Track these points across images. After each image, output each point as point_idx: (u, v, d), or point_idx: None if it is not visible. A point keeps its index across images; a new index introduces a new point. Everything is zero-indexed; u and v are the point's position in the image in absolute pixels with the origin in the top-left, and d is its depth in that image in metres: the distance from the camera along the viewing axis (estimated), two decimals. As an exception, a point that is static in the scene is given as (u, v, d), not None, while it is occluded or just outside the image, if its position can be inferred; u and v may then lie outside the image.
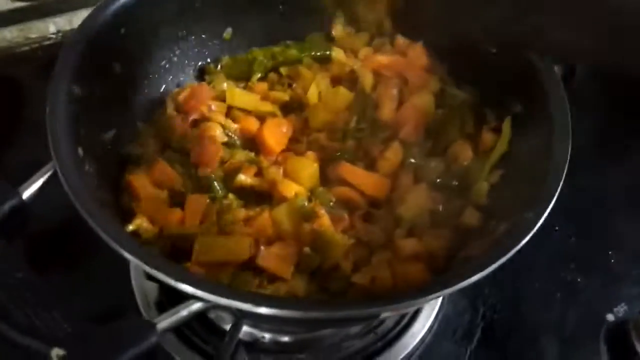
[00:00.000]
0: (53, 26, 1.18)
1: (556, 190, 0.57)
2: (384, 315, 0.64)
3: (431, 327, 0.84)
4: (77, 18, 1.18)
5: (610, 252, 0.95)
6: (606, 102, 1.15)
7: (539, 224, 0.56)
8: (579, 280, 0.92)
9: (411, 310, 0.77)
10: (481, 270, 0.52)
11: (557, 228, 0.98)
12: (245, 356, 0.78)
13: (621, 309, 0.89)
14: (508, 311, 0.89)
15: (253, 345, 0.79)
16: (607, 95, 1.15)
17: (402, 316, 0.83)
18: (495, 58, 0.78)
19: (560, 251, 0.96)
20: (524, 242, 0.55)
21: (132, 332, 0.45)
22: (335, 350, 0.80)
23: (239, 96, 0.82)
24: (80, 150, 0.63)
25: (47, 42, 1.17)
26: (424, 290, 0.51)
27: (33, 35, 1.17)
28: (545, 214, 0.57)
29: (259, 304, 0.47)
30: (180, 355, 0.75)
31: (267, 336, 0.79)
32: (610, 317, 0.88)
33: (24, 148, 0.95)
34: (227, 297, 0.47)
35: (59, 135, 0.59)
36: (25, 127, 1.00)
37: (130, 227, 0.65)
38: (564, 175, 0.60)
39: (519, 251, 0.60)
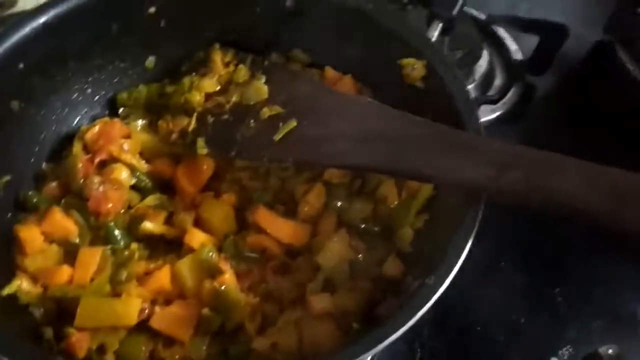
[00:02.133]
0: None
1: (458, 258, 0.53)
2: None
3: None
4: None
5: (556, 290, 0.91)
6: (564, 122, 1.11)
7: (437, 293, 0.51)
8: (522, 320, 0.88)
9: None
10: (369, 348, 0.47)
11: (502, 262, 0.94)
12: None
13: (566, 352, 0.85)
14: (447, 355, 0.84)
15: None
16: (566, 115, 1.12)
17: None
18: (421, 92, 0.73)
19: (505, 288, 0.91)
20: (418, 316, 0.50)
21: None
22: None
23: (146, 143, 0.77)
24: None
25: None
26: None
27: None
28: (446, 284, 0.52)
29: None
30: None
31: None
32: (553, 360, 0.84)
33: None
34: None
35: None
36: None
37: (6, 290, 0.60)
38: (470, 240, 0.55)
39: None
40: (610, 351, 0.79)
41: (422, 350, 0.84)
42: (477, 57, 1.15)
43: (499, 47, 1.21)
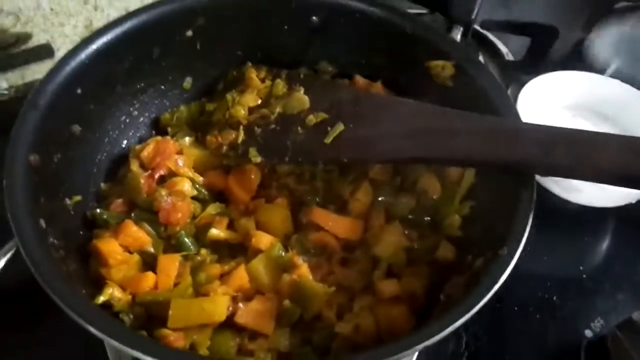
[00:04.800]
0: (5, 82, 1.15)
1: (526, 227, 0.58)
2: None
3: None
4: (29, 72, 1.15)
5: (581, 268, 0.97)
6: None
7: (513, 261, 0.56)
8: (554, 298, 0.93)
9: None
10: (461, 317, 0.52)
11: (528, 248, 0.99)
12: None
13: (598, 324, 0.90)
14: (489, 337, 0.89)
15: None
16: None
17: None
18: (451, 90, 0.79)
19: (534, 270, 0.97)
20: (501, 281, 0.55)
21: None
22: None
23: (198, 157, 0.81)
24: (42, 223, 0.60)
25: (0, 99, 1.13)
26: (404, 344, 0.50)
27: (-15, 92, 1.13)
28: (519, 251, 0.57)
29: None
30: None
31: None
32: (588, 333, 0.89)
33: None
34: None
35: (19, 210, 0.57)
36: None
37: (102, 298, 0.62)
38: (532, 212, 0.61)
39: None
40: (643, 315, 0.84)
41: (467, 334, 0.89)
42: (476, 61, 1.23)
43: (491, 50, 1.29)
